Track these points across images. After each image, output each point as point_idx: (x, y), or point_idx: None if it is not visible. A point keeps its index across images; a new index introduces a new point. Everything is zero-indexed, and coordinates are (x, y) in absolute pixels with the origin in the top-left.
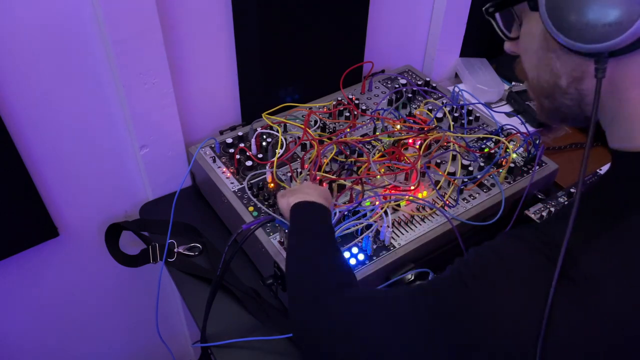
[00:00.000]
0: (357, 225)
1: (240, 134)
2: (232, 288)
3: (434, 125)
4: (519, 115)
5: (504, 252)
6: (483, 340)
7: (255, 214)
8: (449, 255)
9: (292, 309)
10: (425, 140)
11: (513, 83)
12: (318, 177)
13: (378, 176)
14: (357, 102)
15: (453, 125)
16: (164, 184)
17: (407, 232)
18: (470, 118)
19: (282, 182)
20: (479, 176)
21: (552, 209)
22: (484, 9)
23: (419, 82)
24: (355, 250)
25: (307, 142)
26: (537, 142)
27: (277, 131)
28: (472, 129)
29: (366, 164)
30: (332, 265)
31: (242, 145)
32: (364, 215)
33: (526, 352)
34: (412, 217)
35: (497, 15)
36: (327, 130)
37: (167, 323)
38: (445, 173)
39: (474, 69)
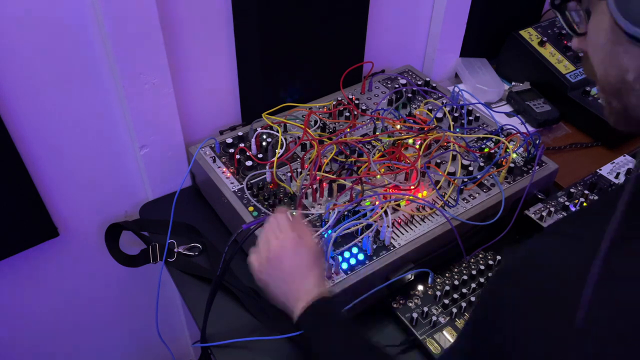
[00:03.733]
0: (357, 225)
1: (240, 134)
2: (232, 288)
3: (434, 125)
4: (519, 115)
5: None
6: None
7: (255, 214)
8: (449, 255)
9: None
10: (425, 140)
11: (513, 83)
12: (318, 177)
13: (378, 176)
14: (357, 102)
15: (453, 125)
16: (164, 184)
17: (407, 232)
18: (470, 118)
19: (282, 182)
20: (479, 176)
21: (552, 209)
22: (550, 2)
23: (419, 82)
24: (355, 250)
25: (307, 142)
26: (537, 142)
27: (277, 131)
28: (472, 129)
29: (366, 164)
30: None
31: (242, 145)
32: (364, 215)
33: None
34: (412, 217)
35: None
36: (327, 130)
37: (167, 323)
38: (445, 173)
39: (474, 69)
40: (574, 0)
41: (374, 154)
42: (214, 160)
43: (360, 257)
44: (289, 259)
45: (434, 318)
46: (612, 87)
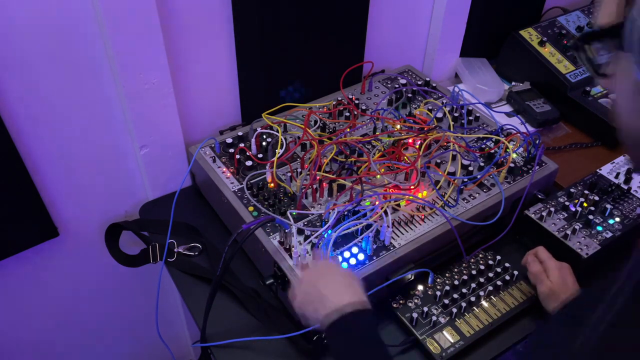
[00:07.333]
0: (357, 225)
1: (240, 134)
2: (232, 288)
3: (434, 125)
4: (519, 115)
5: None
6: None
7: (255, 214)
8: (449, 255)
9: None
10: (425, 140)
11: (513, 83)
12: (318, 177)
13: (378, 176)
14: (357, 102)
15: (453, 125)
16: (164, 184)
17: (407, 232)
18: (470, 118)
19: (282, 182)
20: (479, 176)
21: (552, 209)
22: (571, 43)
23: (419, 82)
24: (355, 250)
25: (307, 142)
26: (537, 142)
27: (277, 131)
28: (472, 129)
29: (366, 164)
30: None
31: (242, 145)
32: (364, 215)
33: None
34: (412, 217)
35: (587, 48)
36: (327, 130)
37: (167, 323)
38: (445, 173)
39: (474, 69)
40: (599, 43)
41: (374, 154)
42: (214, 160)
43: (361, 257)
44: (328, 275)
45: (434, 318)
46: (634, 139)
